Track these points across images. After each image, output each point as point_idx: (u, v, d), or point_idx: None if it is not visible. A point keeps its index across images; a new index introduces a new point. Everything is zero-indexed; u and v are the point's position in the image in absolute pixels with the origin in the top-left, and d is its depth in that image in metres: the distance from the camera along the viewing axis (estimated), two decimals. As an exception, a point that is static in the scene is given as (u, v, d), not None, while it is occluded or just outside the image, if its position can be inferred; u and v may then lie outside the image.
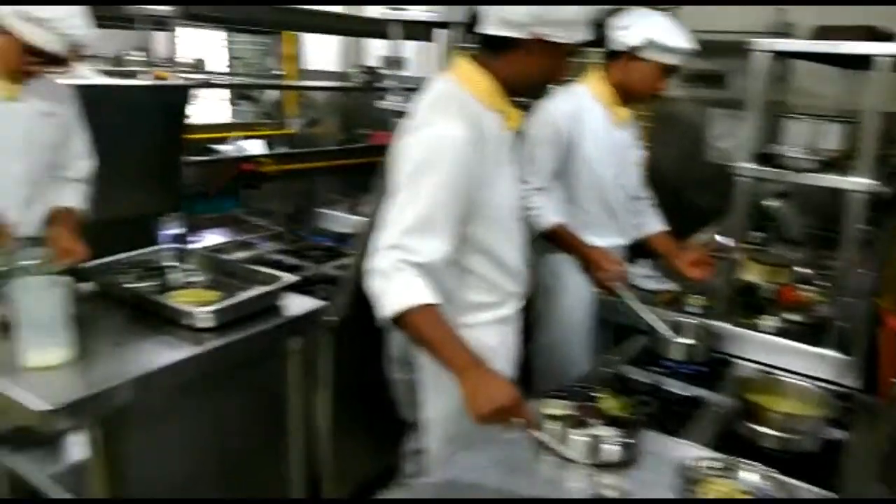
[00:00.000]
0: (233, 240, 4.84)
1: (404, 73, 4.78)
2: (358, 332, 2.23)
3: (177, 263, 2.17)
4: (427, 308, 1.34)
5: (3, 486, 1.92)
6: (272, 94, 5.20)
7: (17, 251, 1.81)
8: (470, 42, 2.11)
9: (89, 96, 2.18)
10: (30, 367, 1.53)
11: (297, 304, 2.00)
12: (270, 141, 4.40)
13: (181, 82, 3.17)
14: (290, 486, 2.14)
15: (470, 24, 1.92)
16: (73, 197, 2.11)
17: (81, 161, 2.14)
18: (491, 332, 1.60)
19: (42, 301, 1.54)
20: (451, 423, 1.61)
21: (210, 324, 1.75)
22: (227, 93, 5.66)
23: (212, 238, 4.99)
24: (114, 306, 1.89)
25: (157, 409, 1.72)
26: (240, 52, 5.69)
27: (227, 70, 5.57)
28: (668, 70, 2.14)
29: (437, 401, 1.60)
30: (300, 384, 2.06)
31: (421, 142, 1.42)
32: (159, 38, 5.62)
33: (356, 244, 2.36)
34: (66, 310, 1.56)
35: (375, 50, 5.05)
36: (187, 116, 3.06)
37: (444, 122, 1.42)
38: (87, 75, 2.71)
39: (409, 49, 4.83)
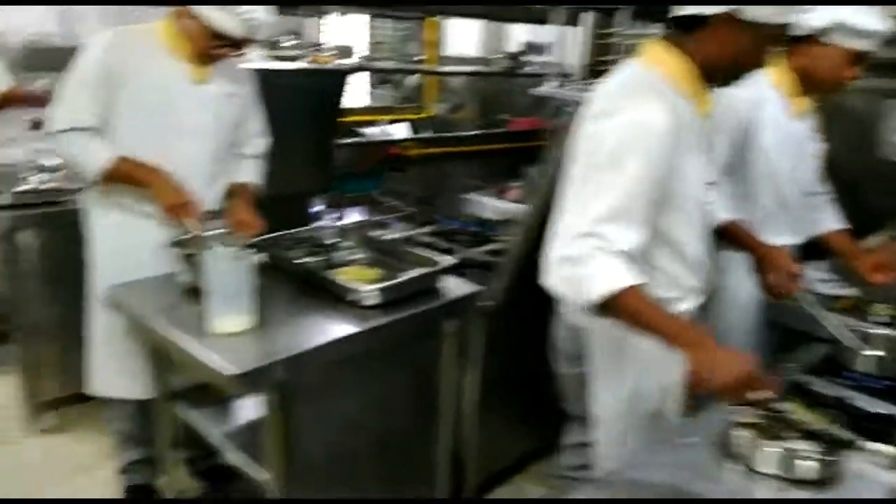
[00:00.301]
0: (368, 219, 4.97)
1: (546, 58, 4.71)
2: (513, 319, 2.23)
3: (338, 240, 2.25)
4: (639, 288, 1.30)
5: (179, 439, 2.07)
6: (412, 79, 5.28)
7: (204, 224, 1.93)
8: (638, 28, 2.01)
9: (262, 79, 2.28)
10: (216, 332, 1.63)
11: (454, 287, 2.01)
12: (413, 125, 4.47)
13: (341, 67, 3.26)
14: (437, 466, 2.17)
15: (641, 9, 1.83)
16: (250, 172, 2.22)
17: (257, 138, 2.25)
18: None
19: (230, 271, 1.63)
20: (622, 419, 1.57)
21: (376, 301, 1.79)
22: (366, 77, 5.81)
23: (349, 217, 5.14)
24: (283, 279, 1.97)
25: (323, 379, 1.78)
26: (382, 37, 5.82)
27: (368, 55, 5.71)
28: (858, 56, 1.95)
29: (608, 397, 1.56)
30: (453, 367, 2.08)
31: (617, 127, 1.36)
32: (308, 24, 5.84)
33: (513, 231, 2.34)
34: (251, 280, 1.64)
35: (516, 35, 5.01)
36: (343, 100, 3.16)
37: (642, 108, 1.36)
38: (257, 59, 2.85)
39: (551, 34, 4.75)
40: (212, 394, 1.92)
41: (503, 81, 4.70)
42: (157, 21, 1.99)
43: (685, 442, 1.35)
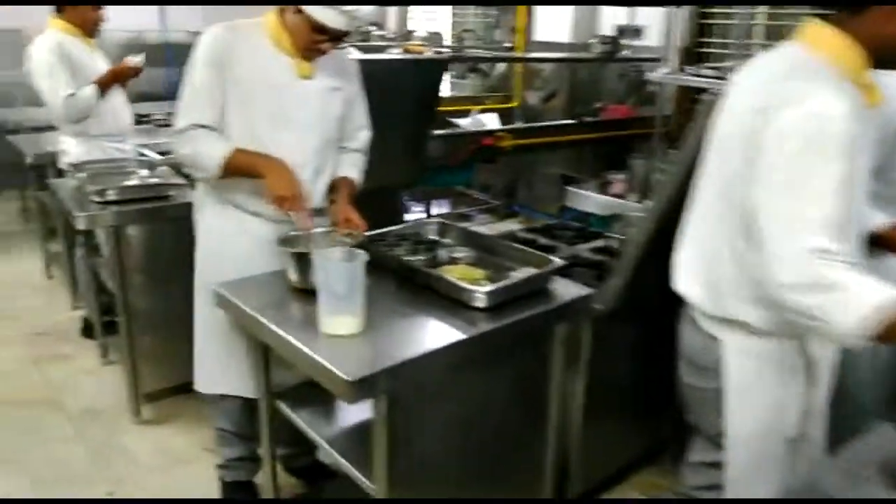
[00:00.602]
0: (453, 211, 4.89)
1: (643, 42, 4.50)
2: (624, 323, 2.10)
3: (438, 237, 2.17)
4: None
5: (279, 436, 2.05)
6: (499, 67, 5.15)
7: (311, 221, 1.90)
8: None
9: (364, 71, 2.22)
10: (327, 333, 1.58)
11: (564, 289, 1.90)
12: (501, 115, 4.35)
13: (439, 56, 3.18)
14: (542, 472, 2.08)
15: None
16: (352, 167, 2.17)
17: (361, 132, 2.20)
18: (819, 341, 1.39)
19: (341, 273, 1.57)
20: (758, 440, 1.44)
21: (489, 303, 1.71)
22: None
23: (434, 210, 5.07)
24: (386, 276, 1.91)
25: (432, 385, 1.71)
26: (467, 24, 5.71)
27: (453, 44, 5.61)
28: None
29: (744, 416, 1.43)
30: (561, 372, 1.97)
31: (799, 124, 1.20)
32: (391, 14, 5.80)
33: (628, 229, 2.21)
34: (362, 282, 1.58)
35: (609, 19, 4.81)
36: (440, 90, 3.07)
37: (821, 97, 1.19)
38: (352, 51, 2.80)
39: (647, 17, 4.52)
40: (314, 393, 1.89)
41: (597, 67, 4.50)
42: (265, 15, 1.96)
43: (843, 468, 1.21)
